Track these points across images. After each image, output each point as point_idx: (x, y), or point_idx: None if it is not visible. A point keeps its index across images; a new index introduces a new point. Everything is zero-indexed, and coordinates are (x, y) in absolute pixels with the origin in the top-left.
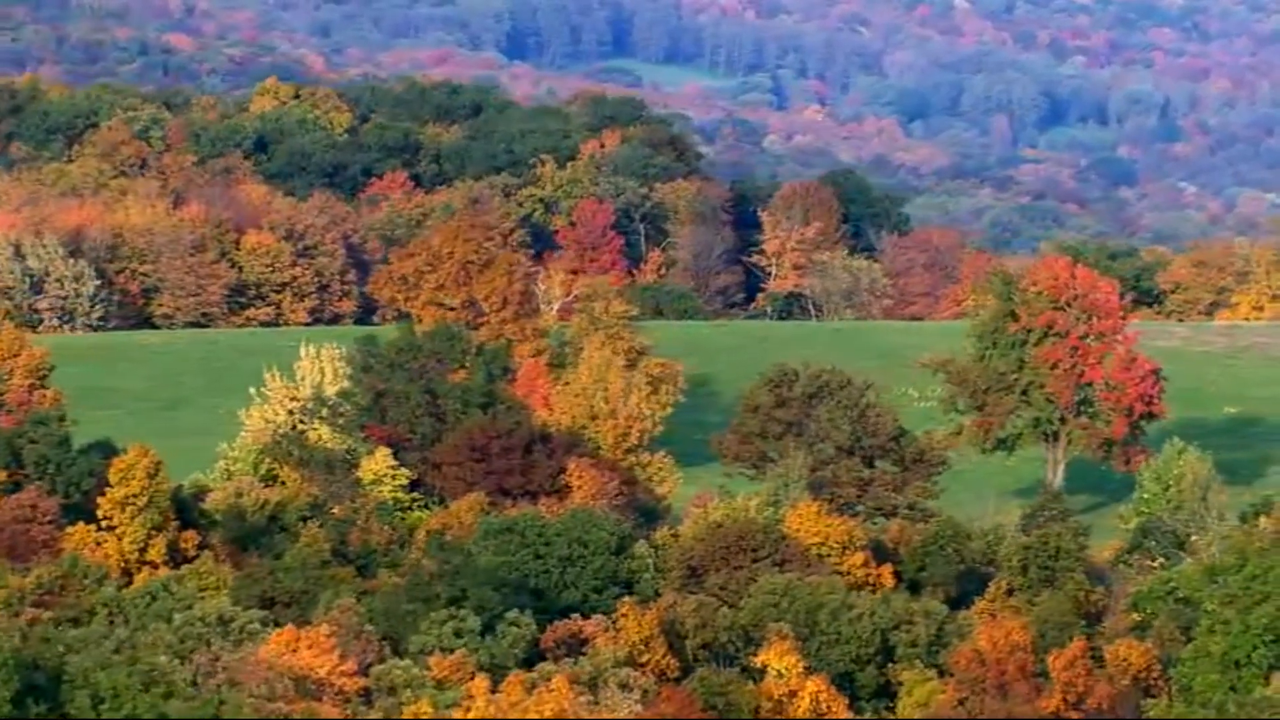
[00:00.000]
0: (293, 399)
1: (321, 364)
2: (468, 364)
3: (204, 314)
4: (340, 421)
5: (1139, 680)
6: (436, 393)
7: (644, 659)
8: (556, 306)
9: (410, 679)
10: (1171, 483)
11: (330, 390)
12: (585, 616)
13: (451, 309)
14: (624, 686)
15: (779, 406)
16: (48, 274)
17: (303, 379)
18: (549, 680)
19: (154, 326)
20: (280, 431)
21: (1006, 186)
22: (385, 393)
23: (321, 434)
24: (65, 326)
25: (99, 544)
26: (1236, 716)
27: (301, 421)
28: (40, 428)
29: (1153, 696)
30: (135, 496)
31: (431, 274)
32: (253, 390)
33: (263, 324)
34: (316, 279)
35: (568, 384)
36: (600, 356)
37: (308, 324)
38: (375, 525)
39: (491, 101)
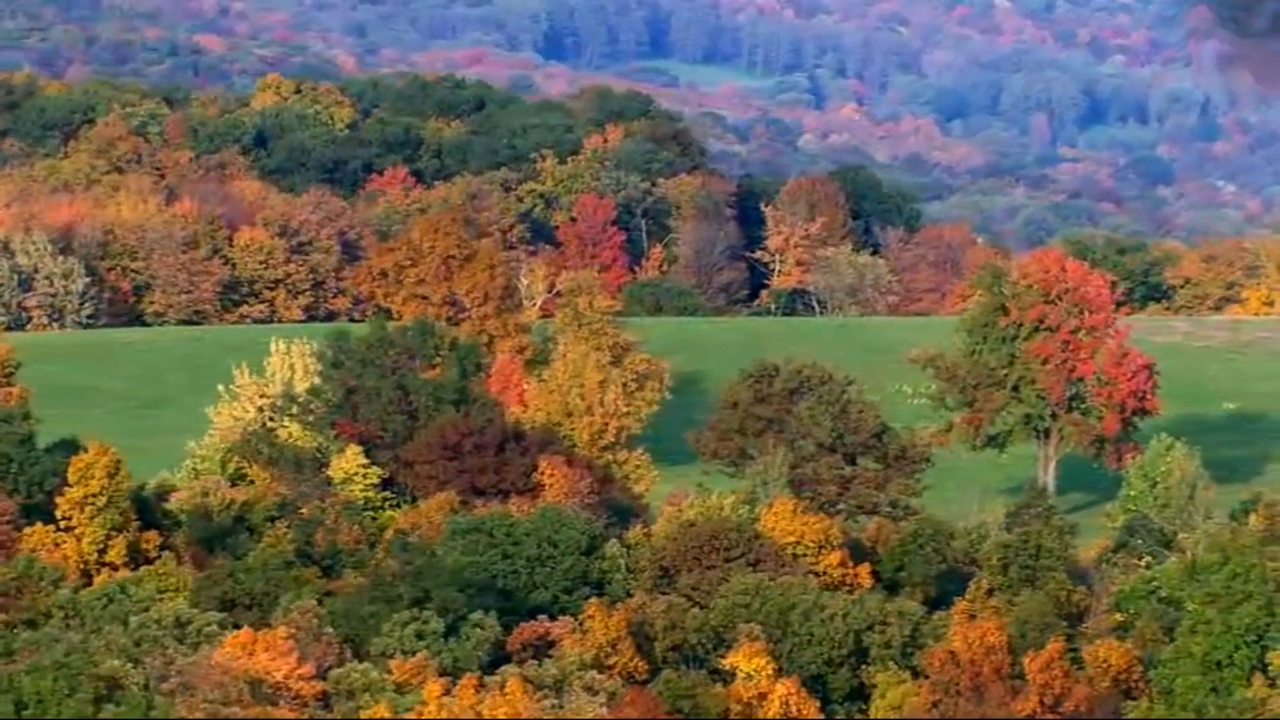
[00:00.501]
0: (262, 396)
1: (292, 360)
2: (441, 360)
3: (196, 311)
4: (310, 419)
5: (1119, 682)
6: (408, 389)
7: (611, 661)
8: (539, 301)
9: (369, 682)
10: (1159, 480)
11: (301, 387)
12: (553, 618)
13: (433, 304)
14: (589, 689)
15: (758, 403)
16: (36, 271)
17: (273, 375)
18: (504, 683)
19: (145, 324)
20: (249, 429)
21: (1042, 185)
22: (356, 389)
23: (292, 431)
24: (54, 324)
25: (57, 545)
26: (1215, 719)
27: (271, 419)
28: (2, 426)
29: (1133, 698)
30: (94, 496)
31: (412, 269)
32: (222, 387)
33: (256, 321)
34: (311, 276)
35: (544, 380)
36: (576, 352)
37: (302, 321)
38: (343, 525)
39: (494, 96)
